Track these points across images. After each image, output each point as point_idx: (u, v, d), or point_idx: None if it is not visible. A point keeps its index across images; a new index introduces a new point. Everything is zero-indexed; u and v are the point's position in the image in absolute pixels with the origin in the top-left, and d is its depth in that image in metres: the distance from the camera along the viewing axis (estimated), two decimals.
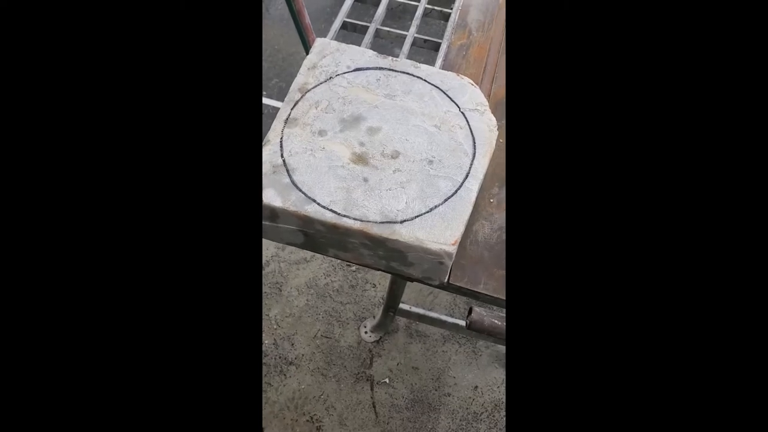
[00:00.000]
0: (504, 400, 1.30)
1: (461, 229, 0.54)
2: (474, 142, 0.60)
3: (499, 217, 0.67)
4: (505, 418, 1.28)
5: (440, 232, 0.53)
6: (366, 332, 1.37)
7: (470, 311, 0.62)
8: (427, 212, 0.55)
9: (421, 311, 1.27)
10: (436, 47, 0.84)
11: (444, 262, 0.54)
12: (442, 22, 0.91)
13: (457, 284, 0.62)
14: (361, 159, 0.58)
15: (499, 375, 1.34)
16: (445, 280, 0.60)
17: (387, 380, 1.31)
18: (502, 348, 1.37)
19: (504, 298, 0.62)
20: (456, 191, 0.57)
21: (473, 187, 0.57)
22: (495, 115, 0.76)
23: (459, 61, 0.83)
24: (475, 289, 0.62)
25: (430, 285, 0.62)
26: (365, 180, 0.56)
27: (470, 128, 0.61)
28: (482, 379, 1.33)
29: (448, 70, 0.80)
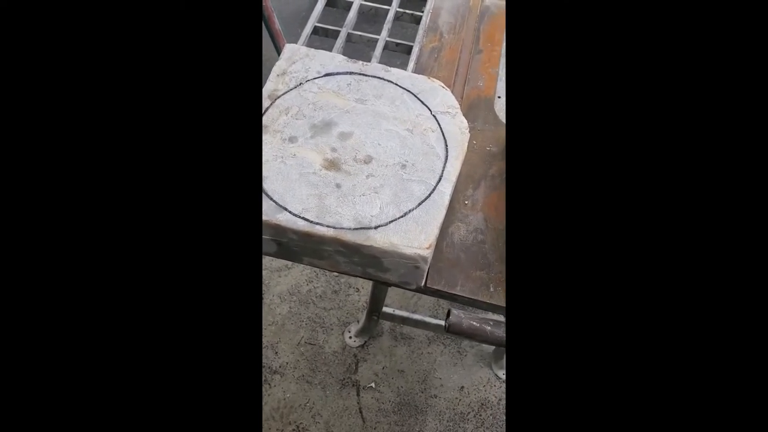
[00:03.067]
0: (490, 399, 1.31)
1: (435, 232, 0.54)
2: (446, 145, 0.61)
3: (474, 219, 0.67)
4: (491, 417, 1.29)
5: (415, 237, 0.53)
6: (350, 337, 1.36)
7: (448, 314, 0.62)
8: (402, 217, 0.54)
9: (404, 314, 1.27)
10: (409, 50, 0.84)
11: (420, 266, 0.54)
12: (414, 25, 0.91)
13: (435, 287, 0.62)
14: (333, 165, 0.57)
15: (485, 374, 1.35)
16: (422, 283, 0.60)
17: (373, 385, 1.30)
18: (488, 347, 1.37)
19: (482, 299, 0.62)
20: (429, 195, 0.57)
21: (446, 190, 0.57)
22: (468, 117, 0.77)
23: (431, 63, 0.83)
24: (453, 292, 0.62)
25: (408, 289, 0.62)
26: (338, 186, 0.56)
27: (442, 131, 0.62)
28: (468, 379, 1.33)
29: (420, 73, 0.80)
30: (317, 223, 0.52)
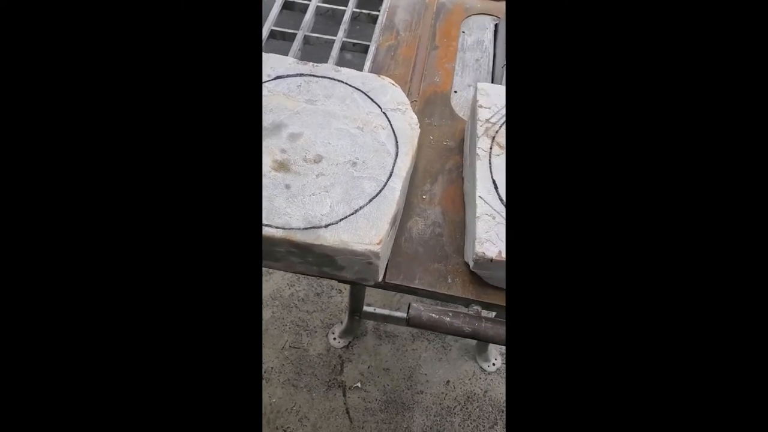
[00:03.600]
0: (475, 391, 1.32)
1: (386, 227, 0.55)
2: (396, 142, 0.61)
3: (432, 213, 0.68)
4: (477, 409, 1.29)
5: (365, 233, 0.54)
6: (335, 338, 1.36)
7: (409, 307, 0.63)
8: (352, 214, 0.55)
9: (386, 312, 1.28)
10: (366, 50, 0.85)
11: (372, 262, 0.55)
12: (372, 24, 0.91)
13: (394, 282, 0.62)
14: (282, 166, 0.58)
15: (470, 367, 1.35)
16: (380, 279, 0.60)
17: (359, 384, 1.31)
18: (471, 341, 1.38)
19: (440, 291, 0.62)
20: (380, 191, 0.57)
21: (397, 185, 0.58)
22: (425, 113, 0.77)
23: (388, 61, 0.83)
24: (411, 285, 0.62)
25: (367, 285, 0.62)
26: (287, 187, 0.56)
27: (392, 128, 0.62)
28: (453, 373, 1.34)
29: (377, 72, 0.81)
30: (266, 225, 0.53)
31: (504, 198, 0.58)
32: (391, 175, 0.58)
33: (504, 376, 1.35)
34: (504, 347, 1.46)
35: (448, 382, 1.33)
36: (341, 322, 1.38)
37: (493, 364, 1.36)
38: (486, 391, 1.32)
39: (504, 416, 1.29)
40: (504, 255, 0.54)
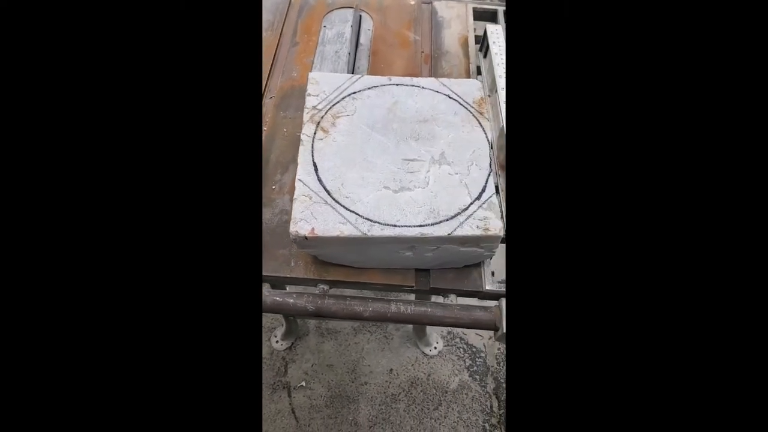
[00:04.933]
0: (419, 376, 1.33)
1: None
2: None
3: (281, 202, 0.70)
4: (421, 393, 1.31)
5: None
6: (277, 341, 1.38)
7: None
8: None
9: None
10: None
11: None
12: None
13: None
14: None
15: (412, 354, 1.37)
16: None
17: (303, 383, 1.32)
18: (410, 327, 1.40)
19: (283, 275, 0.64)
20: None
21: None
22: (281, 107, 0.80)
23: None
24: None
25: None
26: None
27: None
28: (396, 361, 1.36)
29: None
30: None
31: (322, 179, 0.60)
32: None
33: (445, 357, 1.37)
34: (445, 328, 1.47)
35: (392, 370, 1.34)
36: (282, 325, 1.40)
37: (435, 348, 1.37)
38: (429, 375, 1.34)
39: (447, 396, 1.31)
40: (317, 232, 0.56)
